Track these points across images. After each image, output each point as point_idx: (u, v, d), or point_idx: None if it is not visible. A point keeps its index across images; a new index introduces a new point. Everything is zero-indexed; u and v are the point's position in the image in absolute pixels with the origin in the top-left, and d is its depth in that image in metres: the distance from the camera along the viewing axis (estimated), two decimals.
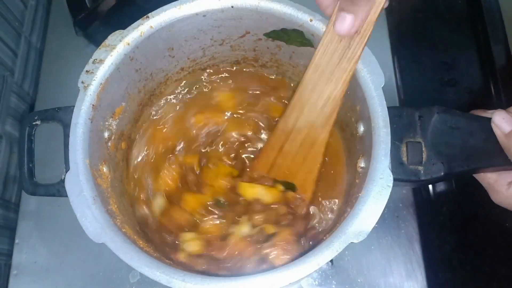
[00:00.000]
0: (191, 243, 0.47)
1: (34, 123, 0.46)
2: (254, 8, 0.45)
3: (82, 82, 0.43)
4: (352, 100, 0.46)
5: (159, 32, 0.46)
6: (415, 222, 0.59)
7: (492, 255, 0.64)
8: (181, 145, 0.53)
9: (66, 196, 0.40)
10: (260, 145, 0.53)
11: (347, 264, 0.56)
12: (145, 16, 0.45)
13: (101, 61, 0.44)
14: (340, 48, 0.42)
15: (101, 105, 0.44)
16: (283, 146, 0.49)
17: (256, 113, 0.54)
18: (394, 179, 0.39)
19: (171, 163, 0.51)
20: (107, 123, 0.46)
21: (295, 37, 0.47)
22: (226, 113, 0.54)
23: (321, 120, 0.46)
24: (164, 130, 0.53)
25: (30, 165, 0.45)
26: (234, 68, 0.57)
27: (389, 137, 0.40)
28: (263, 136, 0.54)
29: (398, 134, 0.42)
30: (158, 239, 0.48)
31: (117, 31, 0.45)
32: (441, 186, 0.68)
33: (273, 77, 0.56)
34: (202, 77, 0.56)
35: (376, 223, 0.38)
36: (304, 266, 0.36)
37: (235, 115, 0.54)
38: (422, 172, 0.41)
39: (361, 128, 0.45)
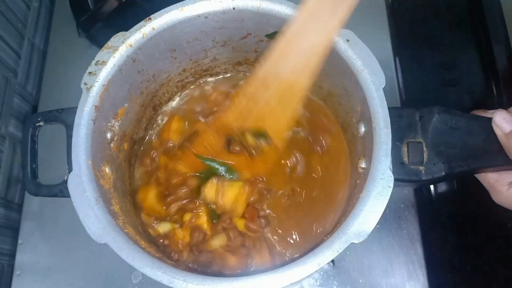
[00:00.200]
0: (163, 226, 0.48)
1: (37, 124, 0.46)
2: (255, 9, 0.45)
3: (85, 84, 0.43)
4: (353, 100, 0.46)
5: (161, 33, 0.46)
6: (416, 222, 0.59)
7: (493, 256, 0.64)
8: None
9: (69, 196, 0.40)
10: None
11: (349, 264, 0.57)
12: (147, 18, 0.45)
13: (104, 63, 0.44)
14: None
15: (103, 107, 0.44)
16: (256, 93, 0.47)
17: None
18: (395, 179, 0.39)
19: None
20: (109, 124, 0.46)
21: None
22: None
23: (302, 67, 0.44)
24: None
25: (33, 165, 0.46)
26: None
27: (389, 138, 0.40)
28: None
29: (399, 134, 0.42)
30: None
31: (120, 32, 0.45)
32: (442, 187, 0.68)
33: None
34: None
35: (378, 224, 0.38)
36: (304, 266, 0.36)
37: None
38: (423, 172, 0.41)
39: (362, 129, 0.45)
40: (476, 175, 0.44)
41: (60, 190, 0.44)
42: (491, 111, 0.41)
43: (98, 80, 0.44)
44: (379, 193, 0.38)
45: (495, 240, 0.64)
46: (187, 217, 0.48)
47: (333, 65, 0.46)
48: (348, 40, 0.43)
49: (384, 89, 0.42)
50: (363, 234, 0.37)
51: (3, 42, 0.64)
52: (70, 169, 0.41)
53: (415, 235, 0.58)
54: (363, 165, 0.44)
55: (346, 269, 0.56)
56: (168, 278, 0.36)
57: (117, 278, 0.57)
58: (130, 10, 0.65)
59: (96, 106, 0.43)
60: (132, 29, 0.45)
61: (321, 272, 0.56)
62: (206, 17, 0.46)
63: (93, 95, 0.43)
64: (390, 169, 0.39)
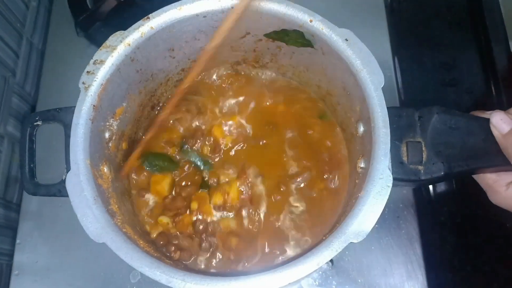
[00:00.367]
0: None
1: (35, 123, 0.46)
2: (254, 9, 0.45)
3: (83, 83, 0.43)
4: (352, 100, 0.46)
5: (159, 33, 0.46)
6: (415, 222, 0.58)
7: (492, 255, 0.64)
8: None
9: (67, 196, 0.40)
10: None
11: (348, 264, 0.56)
12: (145, 17, 0.45)
13: (102, 62, 0.44)
14: None
15: (101, 106, 0.44)
16: None
17: None
18: (394, 179, 0.39)
19: None
20: (107, 123, 0.46)
21: (295, 38, 0.47)
22: None
23: None
24: None
25: (32, 165, 0.46)
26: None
27: (388, 137, 0.40)
28: None
29: (398, 134, 0.42)
30: None
31: (118, 32, 0.45)
32: (441, 187, 0.68)
33: None
34: None
35: (377, 223, 0.38)
36: (303, 266, 0.36)
37: None
38: (422, 172, 0.41)
39: (361, 128, 0.45)
40: (473, 176, 0.44)
41: (58, 190, 0.44)
42: (490, 111, 0.41)
43: (96, 79, 0.43)
44: (378, 192, 0.38)
45: (495, 240, 0.64)
46: (194, 205, 0.50)
47: (332, 65, 0.46)
48: (347, 40, 0.43)
49: (383, 89, 0.42)
50: (362, 233, 0.37)
51: (2, 41, 0.64)
52: (68, 169, 0.41)
53: (414, 235, 0.58)
54: (362, 165, 0.44)
55: (345, 269, 0.56)
56: (166, 278, 0.36)
57: (116, 277, 0.57)
58: (129, 9, 0.65)
59: (94, 106, 0.43)
60: (130, 28, 0.45)
61: (320, 272, 0.56)
62: (204, 16, 0.46)
63: (91, 95, 0.43)
64: (389, 168, 0.39)
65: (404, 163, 0.42)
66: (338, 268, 0.56)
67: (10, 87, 0.65)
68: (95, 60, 0.44)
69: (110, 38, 0.45)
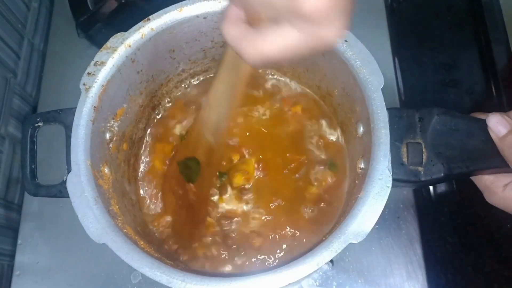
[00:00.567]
0: None
1: (36, 124, 0.46)
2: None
3: (84, 84, 0.43)
4: (352, 101, 0.46)
5: (160, 34, 0.46)
6: (416, 223, 0.58)
7: (493, 256, 0.64)
8: None
9: (68, 197, 0.40)
10: None
11: (348, 264, 0.57)
12: (146, 19, 0.45)
13: (103, 63, 0.44)
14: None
15: (102, 107, 0.44)
16: None
17: None
18: (395, 180, 0.39)
19: None
20: (108, 124, 0.46)
21: None
22: None
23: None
24: None
25: (33, 166, 0.46)
26: None
27: (388, 138, 0.40)
28: None
29: (398, 135, 0.42)
30: None
31: (119, 33, 0.45)
32: (441, 187, 0.68)
33: None
34: None
35: (377, 224, 0.38)
36: (303, 266, 0.36)
37: None
38: (422, 173, 0.41)
39: (361, 129, 0.45)
40: (471, 177, 0.44)
41: (59, 190, 0.44)
42: (489, 113, 0.41)
43: (97, 80, 0.44)
44: (377, 193, 0.38)
45: (495, 241, 0.64)
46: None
47: (332, 66, 0.47)
48: (346, 41, 0.43)
49: (383, 89, 0.42)
50: (362, 234, 0.37)
51: (3, 42, 0.64)
52: (69, 170, 0.41)
53: (414, 235, 0.58)
54: (362, 166, 0.44)
55: (345, 269, 0.56)
56: (167, 278, 0.36)
57: (117, 278, 0.57)
58: (129, 10, 0.65)
59: (95, 107, 0.43)
60: (131, 30, 0.45)
61: (320, 272, 0.56)
62: (205, 18, 0.47)
63: (92, 96, 0.43)
64: (388, 169, 0.39)
65: (404, 164, 0.42)
66: (338, 269, 0.56)
67: (11, 88, 0.65)
68: (96, 61, 0.44)
69: (111, 39, 0.45)
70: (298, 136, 0.54)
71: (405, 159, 0.42)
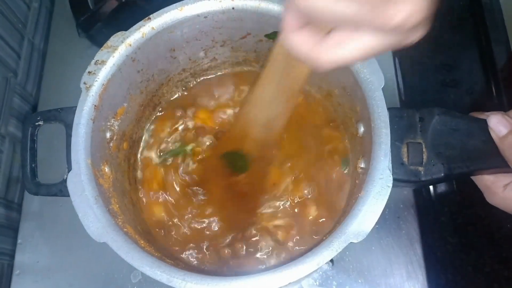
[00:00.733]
0: None
1: (36, 123, 0.46)
2: (254, 9, 0.45)
3: (84, 83, 0.43)
4: (352, 100, 0.46)
5: (160, 33, 0.46)
6: (416, 222, 0.58)
7: (493, 256, 0.64)
8: None
9: (68, 196, 0.40)
10: None
11: (348, 264, 0.57)
12: (146, 18, 0.45)
13: (103, 62, 0.44)
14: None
15: (103, 106, 0.44)
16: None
17: None
18: (395, 180, 0.39)
19: None
20: (109, 123, 0.46)
21: None
22: None
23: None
24: None
25: (33, 165, 0.46)
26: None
27: (388, 138, 0.40)
28: None
29: (399, 135, 0.42)
30: None
31: (119, 32, 0.45)
32: (442, 187, 0.68)
33: None
34: None
35: (377, 224, 0.38)
36: (303, 266, 0.36)
37: None
38: (422, 172, 0.41)
39: (361, 129, 0.45)
40: (472, 177, 0.44)
41: (60, 189, 0.44)
42: (488, 113, 0.41)
43: (98, 79, 0.44)
44: (378, 192, 0.38)
45: (495, 241, 0.64)
46: None
47: None
48: None
49: (383, 89, 0.42)
50: (362, 233, 0.37)
51: (3, 42, 0.64)
52: (69, 168, 0.41)
53: (415, 235, 0.58)
54: (362, 165, 0.44)
55: (345, 269, 0.56)
56: (167, 277, 0.36)
57: (117, 277, 0.57)
58: (130, 10, 0.65)
59: (95, 106, 0.43)
60: (131, 29, 0.45)
61: (320, 272, 0.56)
62: (205, 17, 0.47)
63: (92, 95, 0.43)
64: (389, 169, 0.39)
65: (404, 164, 0.42)
66: (339, 268, 0.56)
67: (12, 88, 0.65)
68: (96, 61, 0.44)
69: (111, 38, 0.45)
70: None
71: (405, 159, 0.42)
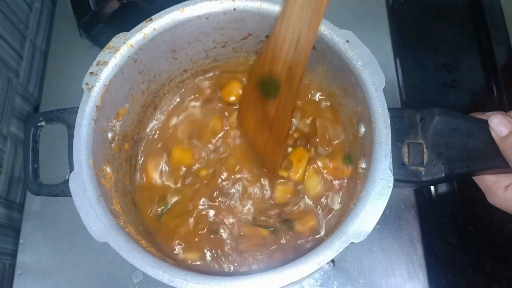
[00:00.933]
0: None
1: (38, 124, 0.46)
2: (256, 10, 0.46)
3: (86, 84, 0.44)
4: (353, 101, 0.46)
5: (162, 34, 0.46)
6: (417, 223, 0.59)
7: (494, 256, 0.64)
8: None
9: (70, 196, 0.41)
10: None
11: (349, 265, 0.57)
12: (148, 19, 0.46)
13: (105, 63, 0.44)
14: None
15: (104, 107, 0.44)
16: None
17: None
18: (396, 180, 0.39)
19: None
20: (110, 124, 0.47)
21: None
22: None
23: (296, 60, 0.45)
24: None
25: (35, 165, 0.46)
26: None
27: (389, 138, 0.40)
28: None
29: (399, 135, 0.42)
30: None
31: (121, 33, 0.45)
32: (443, 187, 0.68)
33: None
34: None
35: (378, 224, 0.38)
36: (304, 266, 0.36)
37: None
38: (423, 173, 0.41)
39: (362, 129, 0.45)
40: (473, 177, 0.44)
41: (62, 190, 0.44)
42: (489, 113, 0.41)
43: (100, 80, 0.44)
44: (378, 193, 0.38)
45: (496, 241, 0.64)
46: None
47: (333, 66, 0.47)
48: (348, 41, 0.43)
49: (384, 90, 0.42)
50: (363, 233, 0.37)
51: (5, 42, 0.64)
52: (71, 169, 0.41)
53: (416, 235, 0.58)
54: (363, 165, 0.44)
55: (346, 270, 0.56)
56: (168, 277, 0.37)
57: (118, 277, 0.57)
58: (131, 11, 0.66)
59: (97, 106, 0.43)
60: (133, 30, 0.45)
61: (321, 272, 0.56)
62: (207, 18, 0.47)
63: (94, 95, 0.43)
64: (389, 169, 0.39)
65: (405, 164, 0.42)
66: (340, 269, 0.56)
67: (13, 88, 0.65)
68: (98, 61, 0.44)
69: (113, 39, 0.45)
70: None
71: (406, 159, 0.42)
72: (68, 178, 0.41)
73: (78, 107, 0.43)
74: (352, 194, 0.46)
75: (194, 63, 0.54)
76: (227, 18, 0.47)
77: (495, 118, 0.39)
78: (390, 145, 0.40)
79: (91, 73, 0.44)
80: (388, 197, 0.38)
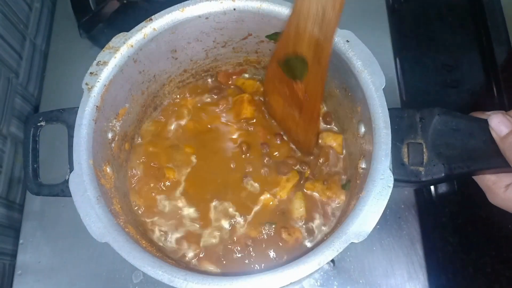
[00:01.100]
0: None
1: (38, 124, 0.46)
2: (256, 10, 0.46)
3: (86, 84, 0.44)
4: (353, 101, 0.46)
5: (162, 34, 0.46)
6: (417, 223, 0.59)
7: (494, 257, 0.63)
8: None
9: (70, 196, 0.41)
10: None
11: (349, 265, 0.57)
12: (148, 19, 0.46)
13: (105, 63, 0.44)
14: None
15: (104, 107, 0.44)
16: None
17: None
18: (395, 180, 0.39)
19: None
20: (110, 124, 0.47)
21: None
22: None
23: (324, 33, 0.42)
24: None
25: (35, 165, 0.46)
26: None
27: (389, 138, 0.40)
28: None
29: (399, 135, 0.42)
30: None
31: (121, 33, 0.45)
32: (443, 187, 0.68)
33: None
34: None
35: (378, 224, 0.38)
36: (304, 266, 0.36)
37: None
38: (423, 173, 0.41)
39: (362, 129, 0.45)
40: (473, 177, 0.44)
41: (61, 190, 0.44)
42: (489, 112, 0.41)
43: (99, 80, 0.44)
44: (379, 193, 0.38)
45: (496, 241, 0.64)
46: None
47: (333, 66, 0.47)
48: (348, 41, 0.43)
49: (384, 90, 0.42)
50: (363, 233, 0.37)
51: (5, 43, 0.64)
52: (71, 169, 0.41)
53: (416, 235, 0.58)
54: (363, 165, 0.44)
55: (347, 270, 0.56)
56: (168, 277, 0.37)
57: (118, 277, 0.57)
58: (131, 11, 0.66)
59: (97, 106, 0.43)
60: (133, 30, 0.45)
61: (322, 272, 0.56)
62: (207, 18, 0.47)
63: (94, 95, 0.43)
64: (390, 169, 0.39)
65: (405, 164, 0.42)
66: (340, 269, 0.56)
67: (13, 88, 0.65)
68: (98, 61, 0.44)
69: (113, 39, 0.45)
70: None
71: (406, 159, 0.42)
72: (68, 178, 0.41)
73: (78, 107, 0.43)
74: (353, 194, 0.46)
75: (194, 63, 0.54)
76: (227, 18, 0.47)
77: (495, 118, 0.39)
78: (390, 145, 0.40)
79: (91, 73, 0.44)
80: (388, 197, 0.38)
